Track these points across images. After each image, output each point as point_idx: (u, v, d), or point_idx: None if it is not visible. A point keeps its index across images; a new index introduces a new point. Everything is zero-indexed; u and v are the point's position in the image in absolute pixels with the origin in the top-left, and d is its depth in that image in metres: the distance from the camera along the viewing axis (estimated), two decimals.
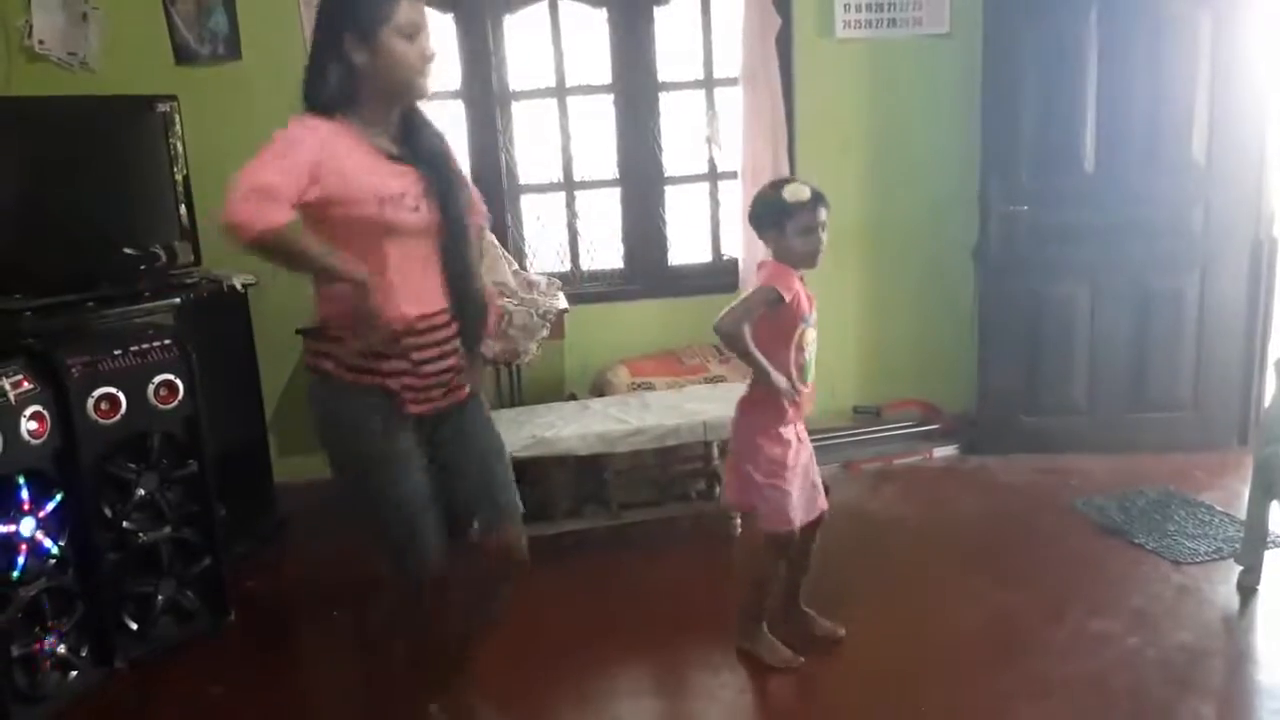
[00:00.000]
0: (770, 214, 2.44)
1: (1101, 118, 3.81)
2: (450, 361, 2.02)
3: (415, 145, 1.98)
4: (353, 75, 1.88)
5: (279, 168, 1.79)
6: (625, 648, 2.80)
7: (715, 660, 2.70)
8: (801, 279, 2.47)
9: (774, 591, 2.65)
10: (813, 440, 2.62)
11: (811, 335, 2.50)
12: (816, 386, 2.57)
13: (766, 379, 2.41)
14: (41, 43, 3.61)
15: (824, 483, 2.66)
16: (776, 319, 2.43)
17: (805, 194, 2.40)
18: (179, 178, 3.35)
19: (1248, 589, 2.87)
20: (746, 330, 2.39)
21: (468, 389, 2.08)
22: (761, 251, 3.97)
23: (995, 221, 3.91)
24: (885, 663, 2.60)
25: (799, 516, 2.52)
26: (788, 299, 2.39)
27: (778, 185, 2.47)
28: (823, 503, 2.62)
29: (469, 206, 2.09)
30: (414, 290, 1.96)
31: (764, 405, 2.48)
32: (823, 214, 2.41)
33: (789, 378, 2.44)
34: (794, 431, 2.52)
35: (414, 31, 1.88)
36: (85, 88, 3.63)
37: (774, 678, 2.59)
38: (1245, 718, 2.39)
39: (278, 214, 1.75)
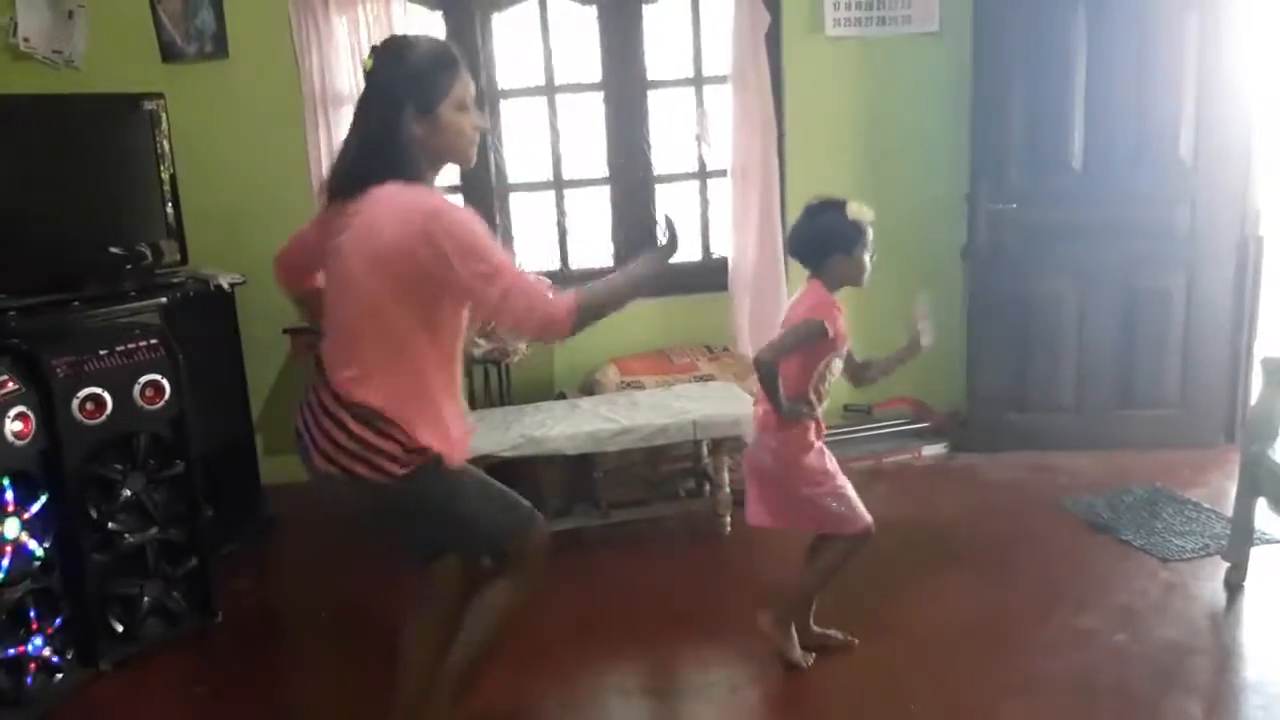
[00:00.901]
0: (844, 237, 2.37)
1: (1090, 117, 3.82)
2: None
3: None
4: (411, 145, 1.90)
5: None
6: (615, 646, 2.80)
7: (706, 658, 2.71)
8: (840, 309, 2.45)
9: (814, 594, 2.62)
10: None
11: (837, 365, 2.47)
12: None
13: (786, 415, 2.39)
14: (27, 40, 3.58)
15: None
16: (812, 351, 2.39)
17: (870, 212, 2.37)
18: (166, 176, 3.33)
19: (1234, 585, 2.88)
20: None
21: None
22: (752, 251, 4.02)
23: (984, 220, 3.92)
24: (874, 660, 2.60)
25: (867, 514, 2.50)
26: (832, 334, 2.37)
27: (832, 209, 2.40)
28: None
29: None
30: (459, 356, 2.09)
31: (790, 427, 2.44)
32: (871, 233, 2.41)
33: (807, 401, 2.43)
34: (822, 445, 2.50)
35: (468, 104, 1.96)
36: (71, 86, 3.61)
37: (764, 676, 2.59)
38: (1232, 714, 2.40)
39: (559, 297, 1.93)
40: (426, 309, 1.90)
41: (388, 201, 1.86)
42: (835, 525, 2.50)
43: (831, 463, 2.51)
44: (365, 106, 1.94)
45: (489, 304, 1.87)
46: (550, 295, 1.90)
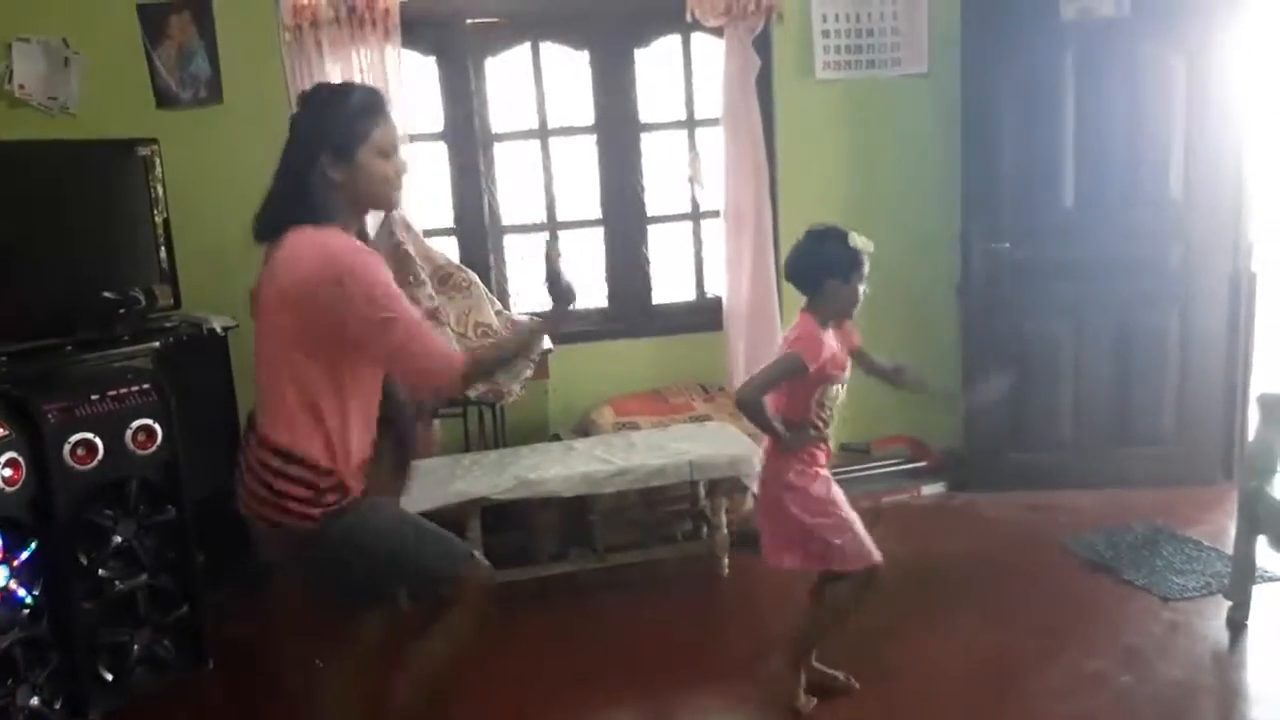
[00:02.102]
0: (843, 263, 2.39)
1: (1080, 156, 3.85)
2: None
3: None
4: (330, 188, 1.93)
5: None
6: (612, 692, 2.76)
7: (703, 704, 2.67)
8: (847, 329, 2.47)
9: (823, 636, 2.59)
10: None
11: (835, 392, 2.46)
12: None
13: (787, 446, 2.40)
14: (22, 87, 3.60)
15: None
16: (801, 383, 2.40)
17: (870, 243, 2.39)
18: (159, 221, 3.34)
19: (1237, 624, 2.85)
20: (766, 400, 2.39)
21: None
22: (746, 290, 4.03)
23: (977, 259, 3.94)
24: (876, 704, 2.57)
25: (876, 552, 2.45)
26: (812, 370, 2.36)
27: (833, 236, 2.41)
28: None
29: None
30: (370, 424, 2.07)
31: (794, 454, 2.44)
32: (866, 263, 2.42)
33: (811, 425, 2.43)
34: (826, 475, 2.48)
35: (389, 150, 1.97)
36: (66, 132, 3.63)
37: None
38: None
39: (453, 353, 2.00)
40: (330, 354, 1.90)
41: (298, 243, 1.88)
42: (841, 561, 2.45)
43: (838, 494, 2.48)
44: (286, 152, 1.97)
45: (384, 350, 1.88)
46: (445, 350, 1.93)
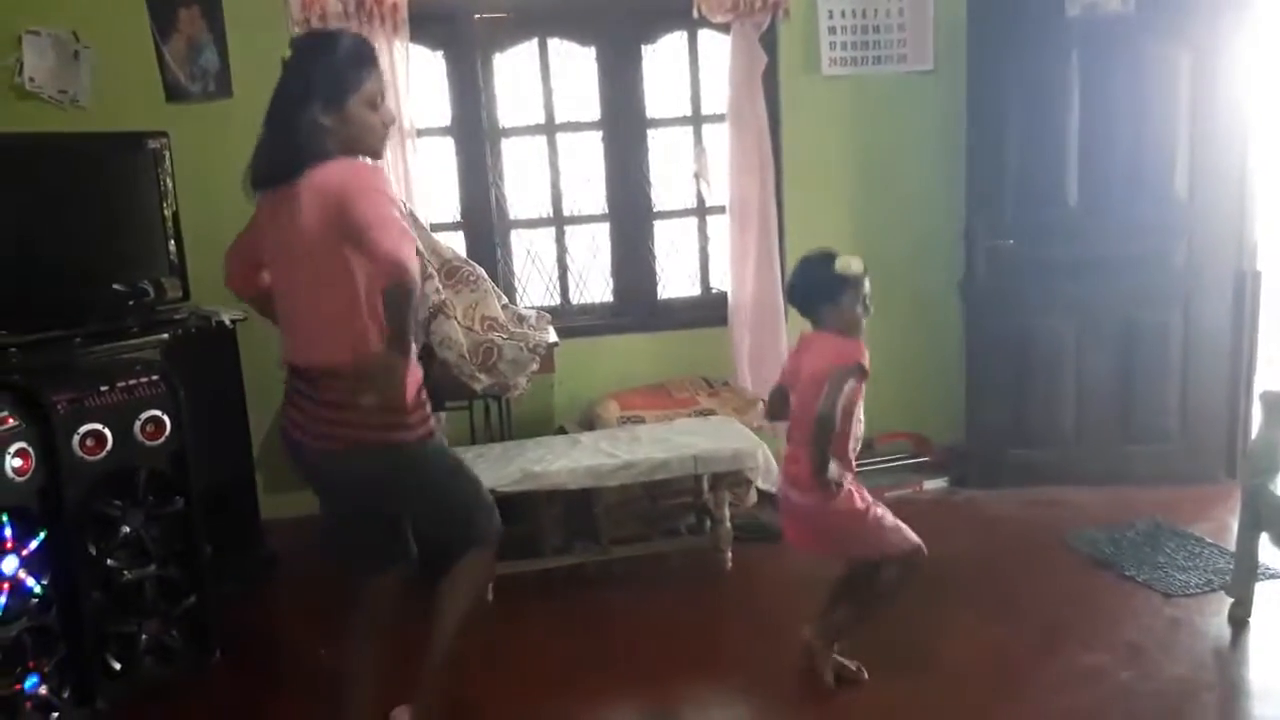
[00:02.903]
0: (825, 289, 2.44)
1: (1084, 153, 3.85)
2: None
3: None
4: (321, 134, 1.98)
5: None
6: (615, 684, 2.77)
7: (705, 696, 2.68)
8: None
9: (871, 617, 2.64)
10: None
11: (860, 404, 2.50)
12: None
13: (824, 482, 2.43)
14: (33, 80, 3.62)
15: None
16: (851, 397, 2.44)
17: (857, 264, 2.42)
18: (169, 213, 3.35)
19: (1239, 621, 2.86)
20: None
21: None
22: (751, 285, 4.04)
23: (981, 255, 3.94)
24: (876, 699, 2.58)
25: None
26: (868, 369, 2.44)
27: (819, 261, 2.46)
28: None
29: None
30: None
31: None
32: (867, 284, 2.45)
33: (847, 450, 2.49)
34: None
35: (378, 101, 2.04)
36: (76, 125, 3.65)
37: (765, 713, 2.57)
38: None
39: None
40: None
41: (328, 173, 1.94)
42: (893, 548, 2.53)
43: (863, 496, 2.52)
44: (276, 98, 2.01)
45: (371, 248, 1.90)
46: (412, 254, 1.92)
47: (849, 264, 2.42)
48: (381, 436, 2.04)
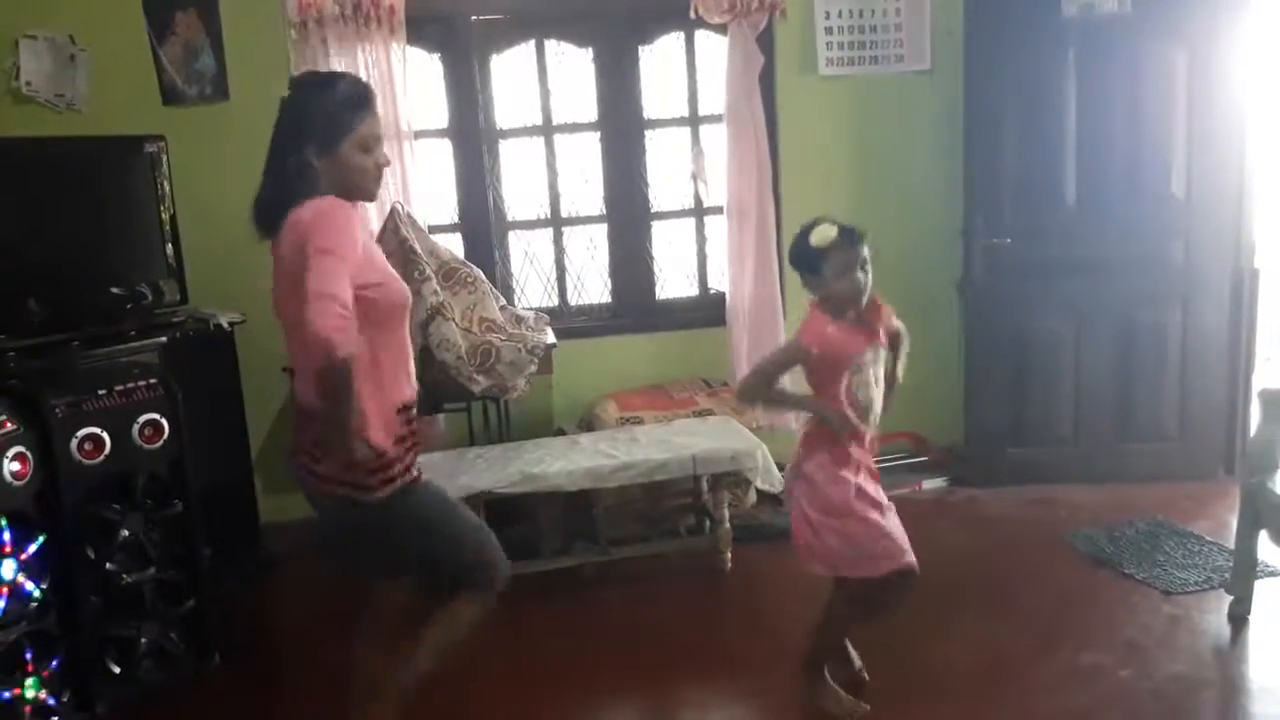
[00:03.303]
0: (803, 260, 2.37)
1: (1082, 152, 3.86)
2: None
3: None
4: (313, 175, 1.96)
5: (346, 278, 1.82)
6: (614, 686, 2.77)
7: (705, 700, 2.68)
8: (872, 315, 2.37)
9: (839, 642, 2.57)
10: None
11: (860, 380, 2.36)
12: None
13: (819, 411, 2.37)
14: (29, 84, 3.62)
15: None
16: (815, 370, 2.37)
17: (831, 234, 2.32)
18: (166, 217, 3.36)
19: (1239, 618, 2.86)
20: (781, 382, 2.39)
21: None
22: (749, 286, 4.04)
23: (979, 255, 3.94)
24: (876, 698, 2.57)
25: (907, 554, 2.38)
26: (815, 353, 2.34)
27: (806, 229, 2.37)
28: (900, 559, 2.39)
29: None
30: (409, 368, 2.08)
31: (820, 441, 2.39)
32: (860, 251, 2.32)
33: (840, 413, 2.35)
34: (857, 475, 2.38)
35: (372, 145, 2.00)
36: (73, 128, 3.65)
37: (764, 715, 2.56)
38: None
39: (353, 340, 1.81)
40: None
41: (303, 210, 1.91)
42: (840, 566, 2.40)
43: (858, 505, 2.36)
44: (274, 141, 2.00)
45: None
46: (339, 324, 1.77)
47: (823, 234, 2.32)
48: (342, 490, 1.99)
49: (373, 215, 3.55)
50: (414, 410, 2.08)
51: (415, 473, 2.07)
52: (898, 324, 2.45)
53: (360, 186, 2.01)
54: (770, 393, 2.41)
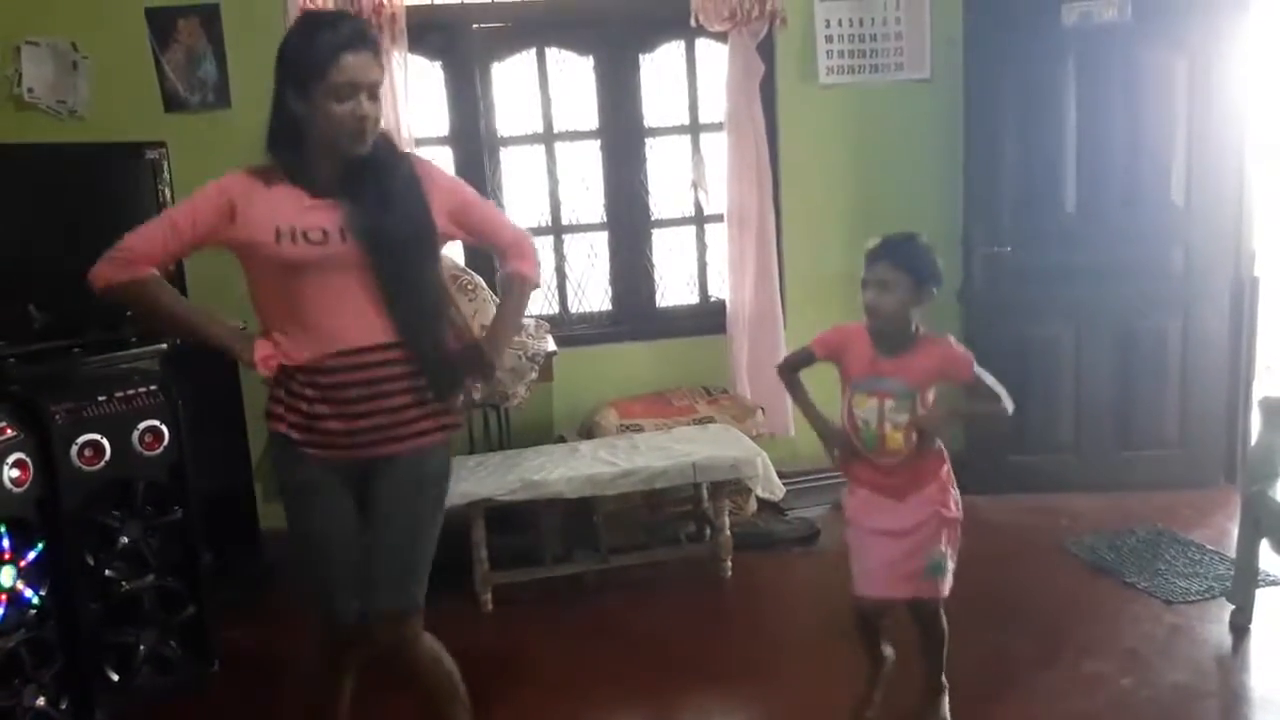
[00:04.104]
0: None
1: (1081, 160, 3.87)
2: (379, 404, 1.96)
3: (353, 183, 1.94)
4: (295, 122, 1.91)
5: (145, 232, 1.99)
6: (615, 693, 2.77)
7: (706, 707, 2.68)
8: (903, 346, 2.31)
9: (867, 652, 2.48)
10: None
11: (866, 403, 2.28)
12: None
13: (809, 418, 2.40)
14: (31, 91, 3.62)
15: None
16: (843, 386, 2.37)
17: (871, 243, 2.30)
18: None
19: (1240, 628, 2.86)
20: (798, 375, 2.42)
21: (405, 443, 1.99)
22: (749, 294, 4.04)
23: (979, 263, 3.95)
24: (877, 706, 2.57)
25: (868, 586, 2.34)
26: (819, 356, 2.37)
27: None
28: (919, 588, 2.32)
29: (419, 240, 2.00)
30: (331, 328, 1.94)
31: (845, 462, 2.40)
32: (879, 270, 2.25)
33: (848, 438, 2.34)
34: (866, 494, 2.35)
35: (348, 93, 1.85)
36: (75, 135, 3.65)
37: None
38: None
39: (121, 273, 1.97)
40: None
41: None
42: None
43: (860, 520, 2.36)
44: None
45: None
46: (108, 262, 2.00)
47: (870, 241, 2.33)
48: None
49: None
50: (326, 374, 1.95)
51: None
52: (973, 373, 2.30)
53: (336, 139, 1.88)
54: (788, 378, 2.44)
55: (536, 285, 2.19)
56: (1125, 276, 3.92)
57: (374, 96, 1.90)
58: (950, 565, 2.33)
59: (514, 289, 2.16)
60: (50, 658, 2.57)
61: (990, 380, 2.28)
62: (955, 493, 2.36)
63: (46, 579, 2.57)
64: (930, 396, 2.32)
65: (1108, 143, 3.84)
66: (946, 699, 2.44)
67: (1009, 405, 2.27)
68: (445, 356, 2.02)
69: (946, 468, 2.37)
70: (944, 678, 2.45)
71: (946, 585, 2.33)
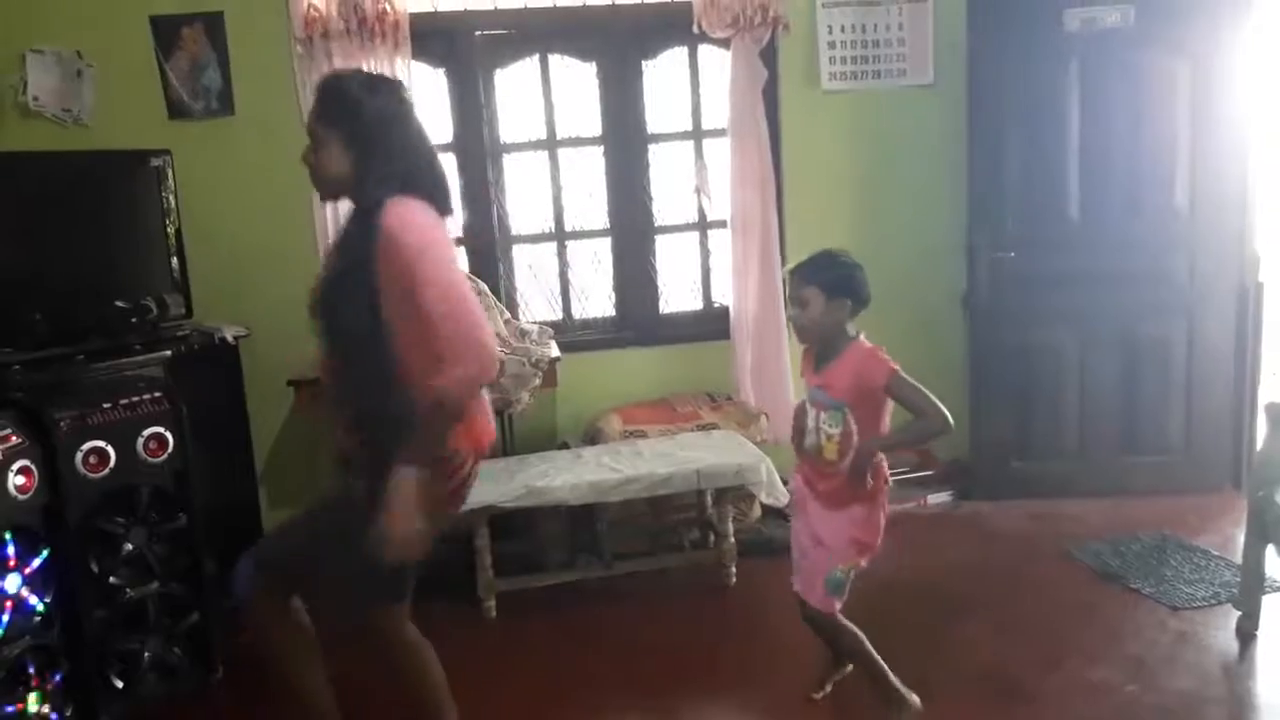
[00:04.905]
0: None
1: (1085, 166, 3.87)
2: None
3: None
4: None
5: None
6: (618, 701, 2.76)
7: (709, 713, 2.67)
8: (827, 358, 2.39)
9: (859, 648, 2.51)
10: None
11: (809, 411, 2.40)
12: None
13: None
14: (36, 99, 3.64)
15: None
16: None
17: (788, 266, 2.45)
18: (171, 231, 3.36)
19: (1247, 634, 2.85)
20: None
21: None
22: (752, 299, 4.04)
23: (983, 269, 3.95)
24: (879, 714, 2.56)
25: (792, 575, 2.53)
26: (802, 370, 2.51)
27: None
28: (796, 584, 2.49)
29: (341, 277, 2.00)
30: None
31: None
32: (793, 287, 2.36)
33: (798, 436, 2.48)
34: (802, 488, 2.48)
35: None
36: (79, 143, 3.66)
37: None
38: None
39: None
40: None
41: None
42: None
43: (796, 522, 2.55)
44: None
45: None
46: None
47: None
48: None
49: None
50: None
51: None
52: (889, 379, 2.31)
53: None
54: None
55: (455, 397, 1.96)
56: (1129, 282, 3.91)
57: (313, 147, 2.07)
58: (848, 582, 2.43)
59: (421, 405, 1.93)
60: (54, 664, 2.58)
61: (913, 388, 2.31)
62: (882, 518, 2.43)
63: (51, 586, 2.57)
64: (886, 420, 2.38)
65: (1111, 148, 3.84)
66: (906, 714, 2.46)
67: (938, 419, 2.28)
68: (369, 410, 2.03)
69: (883, 493, 2.43)
70: (902, 692, 2.46)
71: (838, 603, 2.43)
